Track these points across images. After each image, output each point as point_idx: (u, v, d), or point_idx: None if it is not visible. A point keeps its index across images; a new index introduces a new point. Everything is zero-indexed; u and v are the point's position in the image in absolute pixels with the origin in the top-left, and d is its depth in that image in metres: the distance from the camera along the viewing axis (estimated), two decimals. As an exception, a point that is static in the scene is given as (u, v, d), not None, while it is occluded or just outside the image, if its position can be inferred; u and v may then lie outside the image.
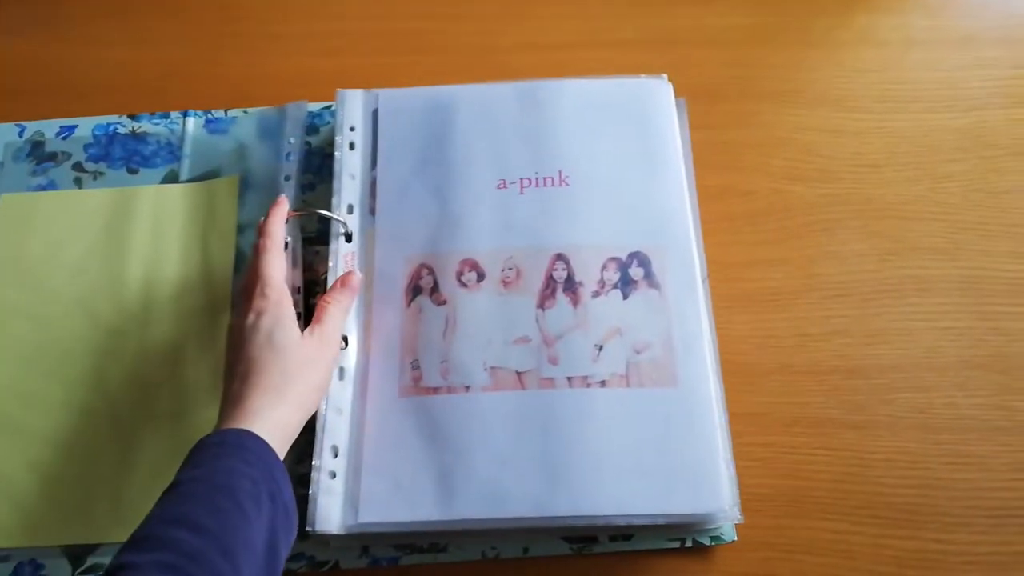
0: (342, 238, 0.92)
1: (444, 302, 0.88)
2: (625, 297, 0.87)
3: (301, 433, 0.77)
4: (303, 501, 0.79)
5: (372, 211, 0.93)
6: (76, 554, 0.84)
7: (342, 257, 0.90)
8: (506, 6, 1.13)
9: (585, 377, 0.84)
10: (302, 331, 0.79)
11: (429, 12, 1.13)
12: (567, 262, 0.89)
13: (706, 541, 0.83)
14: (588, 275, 0.88)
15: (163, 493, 0.68)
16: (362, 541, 0.83)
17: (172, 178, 1.00)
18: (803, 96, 1.06)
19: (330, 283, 0.87)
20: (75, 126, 1.03)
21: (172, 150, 1.02)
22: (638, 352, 0.85)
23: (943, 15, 1.12)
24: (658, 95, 0.98)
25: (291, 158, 0.99)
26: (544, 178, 0.93)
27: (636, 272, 0.88)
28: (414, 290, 0.89)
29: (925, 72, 1.07)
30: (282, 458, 0.73)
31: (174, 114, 1.04)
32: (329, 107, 1.04)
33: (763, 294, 0.95)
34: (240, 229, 0.96)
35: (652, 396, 0.83)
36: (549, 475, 0.80)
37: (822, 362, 0.92)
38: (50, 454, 0.87)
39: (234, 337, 0.80)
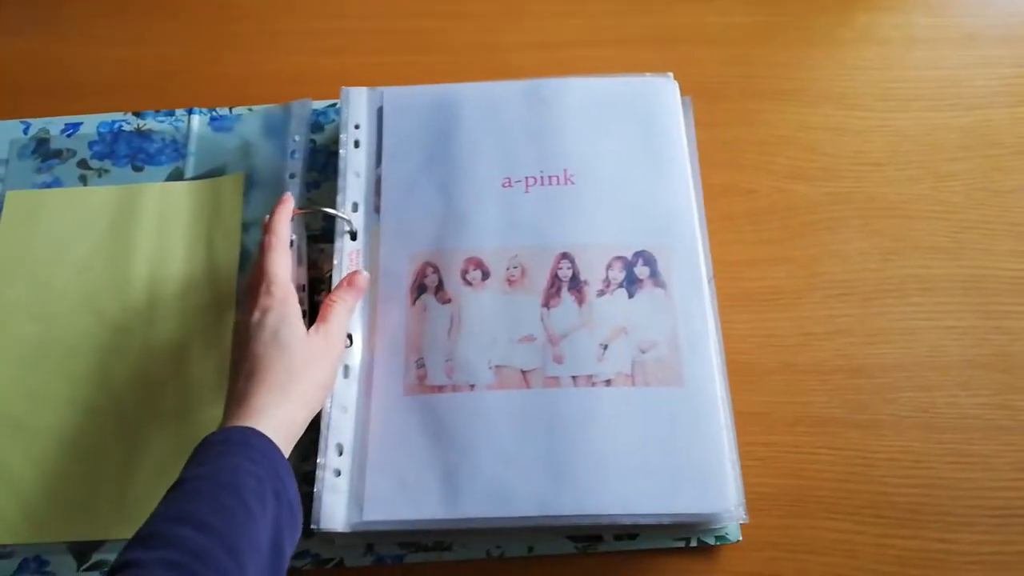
0: (347, 236, 0.92)
1: (449, 300, 0.88)
2: (630, 296, 0.87)
3: (306, 431, 0.77)
4: (308, 499, 0.79)
5: (377, 209, 0.93)
6: (81, 551, 0.84)
7: (347, 255, 0.90)
8: (507, 5, 1.13)
9: (590, 376, 0.84)
10: (307, 329, 0.80)
11: (430, 11, 1.13)
12: (572, 261, 0.89)
13: (711, 541, 0.83)
14: (593, 274, 0.88)
15: (168, 491, 0.68)
16: (367, 539, 0.83)
17: (177, 176, 1.00)
18: (805, 94, 1.06)
19: (335, 281, 0.88)
20: (80, 123, 1.03)
21: (177, 148, 1.02)
22: (643, 351, 0.85)
23: (945, 13, 1.11)
24: (664, 94, 0.98)
25: (296, 156, 0.99)
26: (549, 177, 0.93)
27: (642, 271, 0.88)
28: (419, 288, 0.89)
29: (927, 70, 1.07)
30: (287, 456, 0.73)
31: (179, 112, 1.04)
32: (334, 105, 1.04)
33: (765, 293, 0.95)
34: (245, 227, 0.96)
35: (658, 395, 0.83)
36: (554, 474, 0.80)
37: (825, 361, 0.92)
38: (55, 451, 0.87)
39: (239, 335, 0.80)
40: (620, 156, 0.94)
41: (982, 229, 0.98)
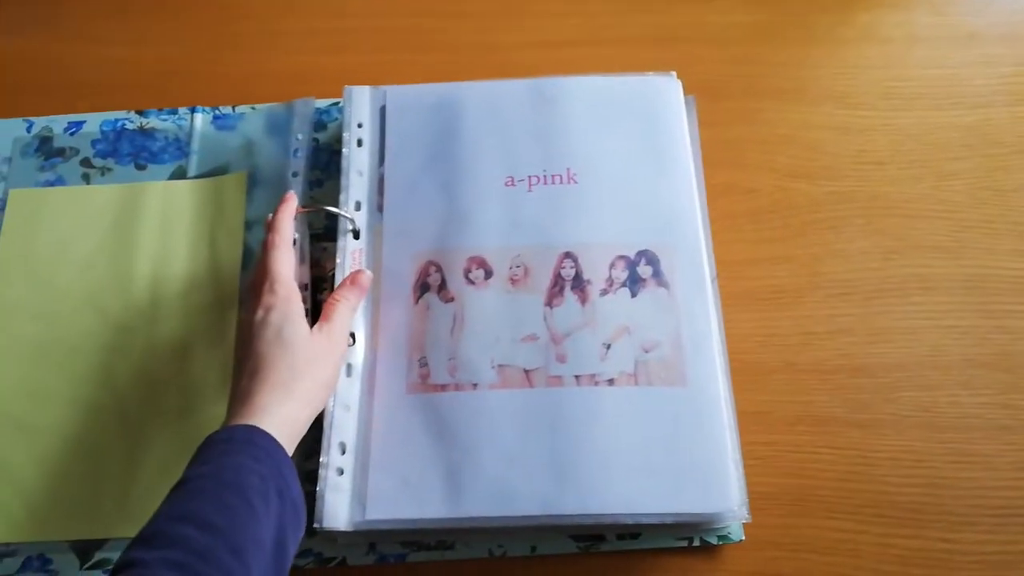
0: (350, 235, 0.92)
1: (452, 299, 0.88)
2: (633, 295, 0.87)
3: (309, 430, 0.77)
4: (310, 498, 0.79)
5: (380, 208, 0.93)
6: (84, 549, 0.84)
7: (350, 254, 0.91)
8: (507, 4, 1.13)
9: (593, 375, 0.84)
10: (310, 328, 0.80)
11: (430, 10, 1.13)
12: (575, 260, 0.89)
13: (714, 540, 0.83)
14: (596, 273, 0.88)
15: (171, 490, 0.68)
16: (369, 538, 0.84)
17: (180, 174, 1.00)
18: (806, 93, 1.06)
19: (338, 280, 0.88)
20: (83, 122, 1.03)
21: (180, 146, 1.01)
22: (646, 351, 0.85)
23: (947, 12, 1.11)
24: (667, 93, 0.98)
25: (299, 154, 0.99)
26: (552, 175, 0.93)
27: (644, 270, 0.88)
28: (422, 287, 0.89)
29: (929, 69, 1.07)
30: (290, 454, 0.73)
31: (182, 110, 1.04)
32: (337, 103, 1.04)
33: (767, 292, 0.95)
34: (248, 225, 0.96)
35: (661, 395, 0.83)
36: (557, 473, 0.80)
37: (826, 360, 0.92)
38: (58, 450, 0.87)
39: (243, 333, 0.80)
40: (623, 155, 0.94)
41: (984, 228, 0.98)
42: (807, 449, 0.88)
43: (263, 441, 0.71)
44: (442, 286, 0.89)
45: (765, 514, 0.84)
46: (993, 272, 0.95)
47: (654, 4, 1.12)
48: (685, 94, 0.99)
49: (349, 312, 0.84)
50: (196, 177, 1.00)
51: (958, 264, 0.96)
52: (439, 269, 0.89)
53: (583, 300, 0.87)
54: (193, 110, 1.03)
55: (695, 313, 0.87)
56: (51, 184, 1.00)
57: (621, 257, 0.89)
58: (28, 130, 1.03)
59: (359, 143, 0.96)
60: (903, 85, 1.06)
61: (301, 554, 0.83)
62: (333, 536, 0.82)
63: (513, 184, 0.93)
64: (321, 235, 0.95)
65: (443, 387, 0.85)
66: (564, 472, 0.80)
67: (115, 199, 0.98)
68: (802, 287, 0.95)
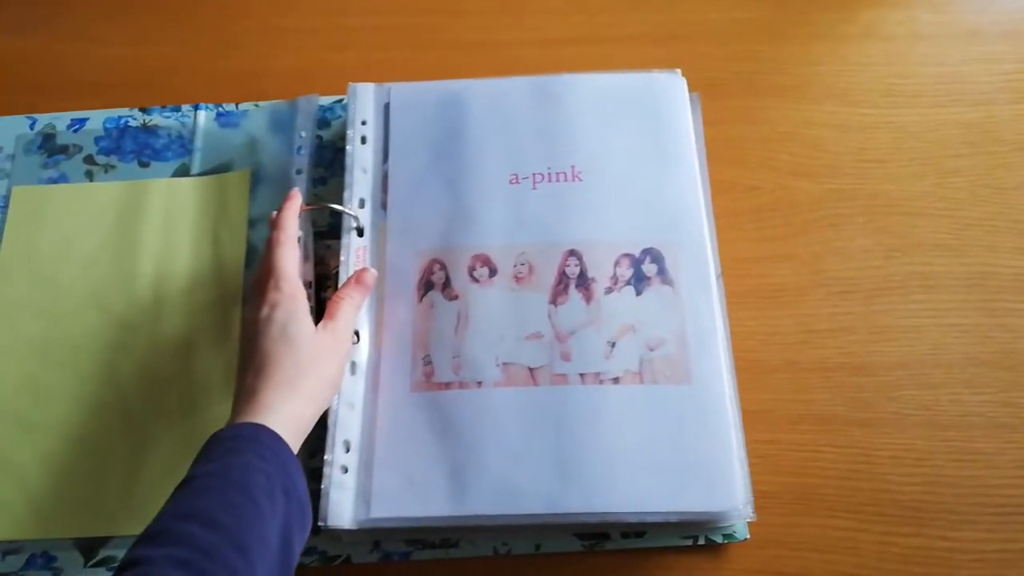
0: (354, 232, 0.92)
1: (456, 297, 0.88)
2: (638, 293, 0.87)
3: (313, 428, 0.78)
4: (315, 496, 0.79)
5: (384, 205, 0.93)
6: (88, 546, 0.84)
7: (354, 252, 0.91)
8: (508, 2, 1.13)
9: (598, 374, 0.84)
10: (315, 325, 0.80)
11: (432, 7, 1.13)
12: (580, 258, 0.89)
13: (719, 539, 0.83)
14: (601, 271, 0.88)
15: (177, 488, 0.68)
16: (374, 536, 0.84)
17: (183, 172, 1.00)
18: (808, 91, 1.06)
19: (342, 278, 0.88)
20: (86, 119, 1.03)
21: (183, 143, 1.01)
22: (651, 349, 0.85)
23: (949, 9, 1.11)
24: (672, 90, 0.98)
25: (303, 152, 0.98)
26: (557, 173, 0.93)
27: (649, 268, 0.88)
28: (426, 285, 0.89)
29: (931, 67, 1.08)
30: (296, 452, 0.73)
31: (185, 107, 1.04)
32: (340, 101, 1.04)
33: (768, 290, 0.95)
34: (251, 223, 0.96)
35: (666, 393, 0.83)
36: (561, 472, 0.80)
37: (828, 359, 0.92)
38: (62, 447, 0.87)
39: (248, 330, 0.80)
40: (628, 153, 0.94)
41: (985, 226, 0.98)
42: (809, 447, 0.88)
43: (269, 439, 0.71)
44: (446, 284, 0.89)
45: (768, 513, 0.85)
46: (995, 270, 0.96)
47: (654, 2, 1.12)
48: (688, 91, 0.99)
49: (353, 310, 0.84)
50: (199, 174, 1.00)
51: (960, 262, 0.96)
52: (443, 267, 0.89)
53: (588, 298, 0.87)
54: (196, 107, 1.03)
55: (700, 311, 0.87)
56: (54, 181, 1.00)
57: (626, 255, 0.89)
58: (31, 127, 1.03)
59: (363, 140, 0.96)
60: (905, 83, 1.06)
61: (305, 552, 0.83)
62: (337, 534, 0.82)
63: (517, 182, 0.93)
64: (325, 233, 0.95)
65: (447, 385, 0.85)
66: (568, 470, 0.80)
67: (118, 196, 0.98)
68: (804, 285, 0.95)
